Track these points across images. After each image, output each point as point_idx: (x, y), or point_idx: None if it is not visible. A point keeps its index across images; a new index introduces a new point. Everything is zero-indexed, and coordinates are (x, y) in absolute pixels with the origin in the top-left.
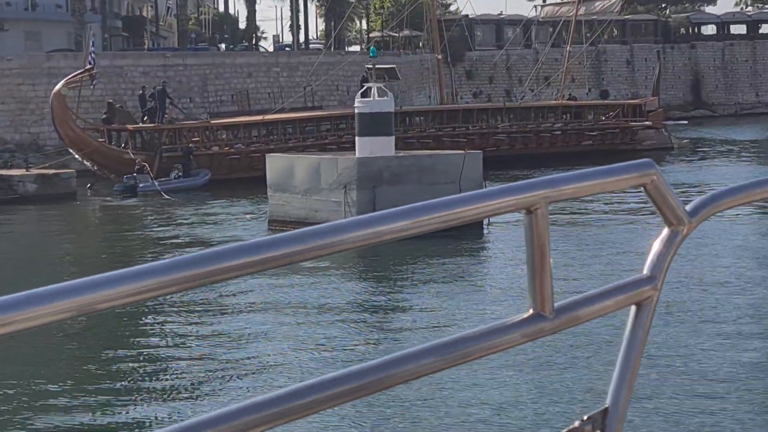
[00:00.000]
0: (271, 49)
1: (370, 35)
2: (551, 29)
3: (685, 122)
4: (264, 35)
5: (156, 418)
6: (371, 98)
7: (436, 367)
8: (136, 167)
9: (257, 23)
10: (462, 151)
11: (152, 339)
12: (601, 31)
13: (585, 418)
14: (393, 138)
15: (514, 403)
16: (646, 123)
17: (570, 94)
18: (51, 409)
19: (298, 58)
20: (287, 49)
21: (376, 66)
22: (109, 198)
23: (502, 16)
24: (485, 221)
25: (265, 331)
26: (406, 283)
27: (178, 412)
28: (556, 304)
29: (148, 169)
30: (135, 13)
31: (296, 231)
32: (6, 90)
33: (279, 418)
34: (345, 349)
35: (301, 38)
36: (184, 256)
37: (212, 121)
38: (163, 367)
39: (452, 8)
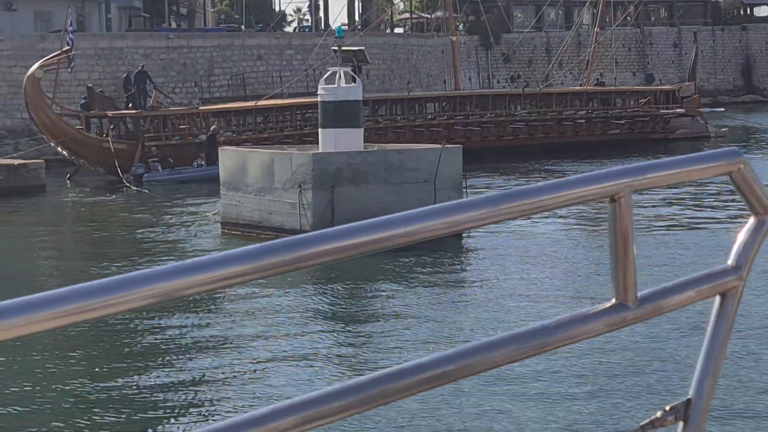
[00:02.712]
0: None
1: (401, 17)
2: (594, 11)
3: (722, 109)
4: (306, 18)
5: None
6: (336, 84)
7: (515, 357)
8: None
9: (299, 6)
10: (438, 146)
11: (149, 346)
12: (630, 12)
13: (667, 408)
14: (361, 130)
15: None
16: (679, 110)
17: (598, 79)
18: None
19: (313, 39)
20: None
21: (342, 48)
22: (82, 191)
23: None
24: (465, 231)
25: (283, 337)
26: (394, 294)
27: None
28: (639, 294)
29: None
30: None
31: (376, 219)
32: None
33: (370, 402)
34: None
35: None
36: (267, 242)
37: (201, 108)
38: (161, 373)
39: None
